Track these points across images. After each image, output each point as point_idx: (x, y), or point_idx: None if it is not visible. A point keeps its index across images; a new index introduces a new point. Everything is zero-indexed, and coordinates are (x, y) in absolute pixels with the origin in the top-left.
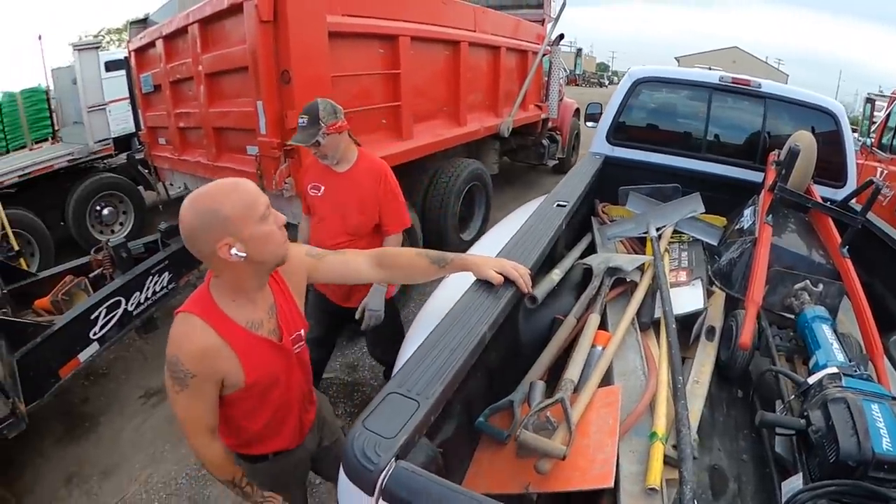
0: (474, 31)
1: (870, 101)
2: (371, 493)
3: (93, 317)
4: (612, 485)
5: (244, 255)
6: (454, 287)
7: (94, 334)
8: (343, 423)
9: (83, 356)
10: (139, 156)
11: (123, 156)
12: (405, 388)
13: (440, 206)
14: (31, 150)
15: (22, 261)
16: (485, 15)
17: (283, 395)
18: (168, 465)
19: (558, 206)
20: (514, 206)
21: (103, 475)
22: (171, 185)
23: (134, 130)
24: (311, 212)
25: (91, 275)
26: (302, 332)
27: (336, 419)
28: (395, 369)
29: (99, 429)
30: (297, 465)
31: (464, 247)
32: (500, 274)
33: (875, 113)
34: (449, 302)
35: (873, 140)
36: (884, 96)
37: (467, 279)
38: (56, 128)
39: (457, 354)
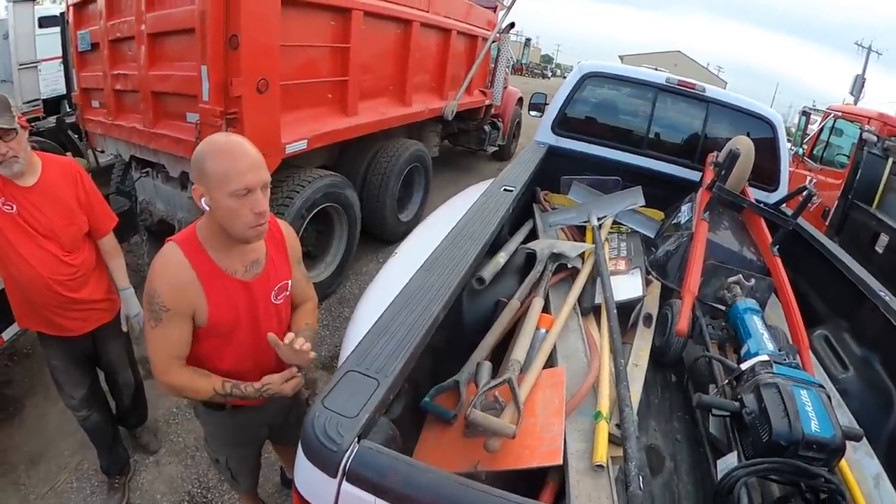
0: (427, 12)
1: (805, 114)
2: (334, 475)
3: None
4: (561, 462)
5: (207, 208)
6: (397, 270)
7: None
8: None
9: (7, 335)
10: (70, 119)
11: (52, 119)
12: (363, 367)
13: (380, 186)
14: None
15: None
16: None
17: (250, 341)
18: None
19: (506, 190)
20: (453, 190)
21: (31, 463)
22: (102, 152)
23: (65, 93)
24: None
25: None
26: (288, 282)
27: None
28: (344, 352)
29: (24, 413)
30: (256, 428)
31: (402, 228)
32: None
33: (809, 126)
34: (392, 284)
35: (805, 150)
36: (818, 111)
37: (410, 263)
38: None
39: (413, 333)
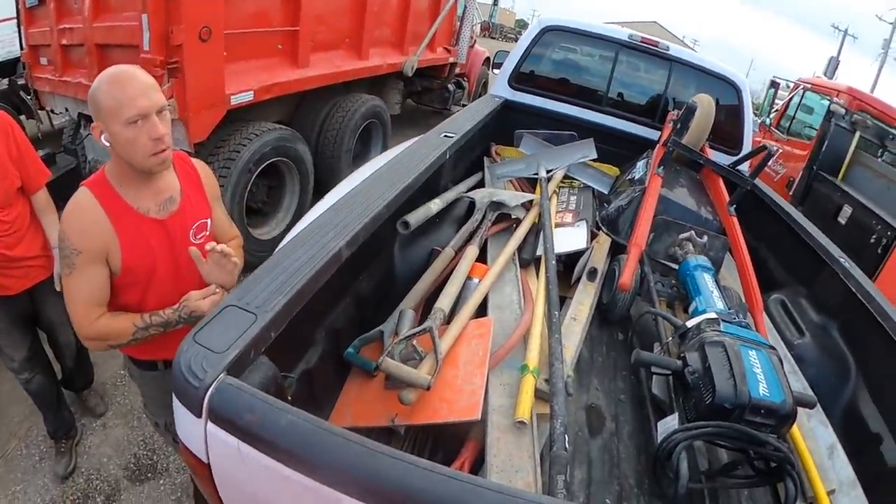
0: None
1: (774, 84)
2: (199, 415)
3: None
4: (479, 417)
5: (108, 144)
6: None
7: None
8: None
9: None
10: (22, 81)
11: (5, 81)
12: (244, 302)
13: (334, 141)
14: None
15: None
16: None
17: (172, 285)
18: None
19: (445, 136)
20: None
21: None
22: (54, 112)
23: (20, 54)
24: None
25: None
26: (208, 221)
27: None
28: None
29: None
30: None
31: None
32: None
33: (776, 99)
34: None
35: (773, 121)
36: (788, 81)
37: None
38: None
39: (306, 268)
